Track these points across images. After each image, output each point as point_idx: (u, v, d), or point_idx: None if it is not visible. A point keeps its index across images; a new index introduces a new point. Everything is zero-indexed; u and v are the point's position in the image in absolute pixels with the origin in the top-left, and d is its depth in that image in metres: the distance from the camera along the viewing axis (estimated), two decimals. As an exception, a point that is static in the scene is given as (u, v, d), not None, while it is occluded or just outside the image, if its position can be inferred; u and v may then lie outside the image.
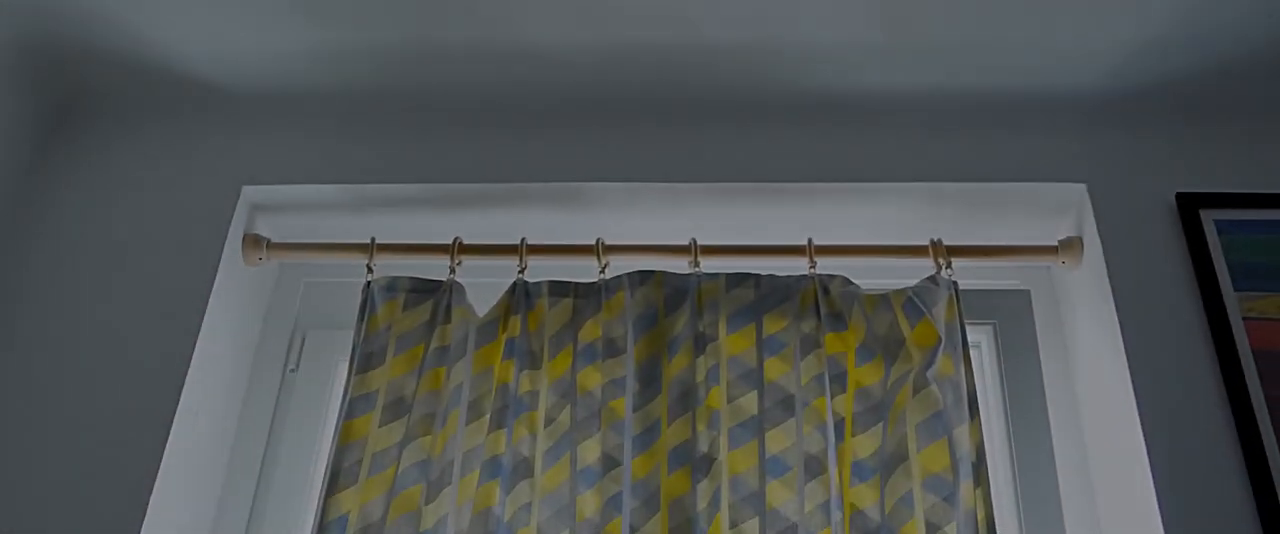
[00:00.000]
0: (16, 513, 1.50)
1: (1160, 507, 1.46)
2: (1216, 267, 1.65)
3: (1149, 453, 1.50)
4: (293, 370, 1.80)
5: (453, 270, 1.73)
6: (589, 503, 1.54)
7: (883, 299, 1.65)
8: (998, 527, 1.56)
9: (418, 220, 1.85)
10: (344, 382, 1.72)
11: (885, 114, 1.83)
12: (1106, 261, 1.66)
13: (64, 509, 1.50)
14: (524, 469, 1.55)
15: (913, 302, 1.62)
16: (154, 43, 1.80)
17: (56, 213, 1.77)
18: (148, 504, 1.50)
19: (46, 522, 1.49)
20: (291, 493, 1.70)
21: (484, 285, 1.79)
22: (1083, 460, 1.66)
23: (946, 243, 1.79)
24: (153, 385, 1.60)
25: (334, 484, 1.54)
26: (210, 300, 1.68)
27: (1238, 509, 1.45)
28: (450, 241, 1.78)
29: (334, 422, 1.73)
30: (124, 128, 1.86)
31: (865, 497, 1.53)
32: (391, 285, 1.72)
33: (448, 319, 1.67)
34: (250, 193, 1.80)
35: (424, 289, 1.72)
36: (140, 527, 1.48)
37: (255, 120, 1.86)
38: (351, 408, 1.60)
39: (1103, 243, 1.68)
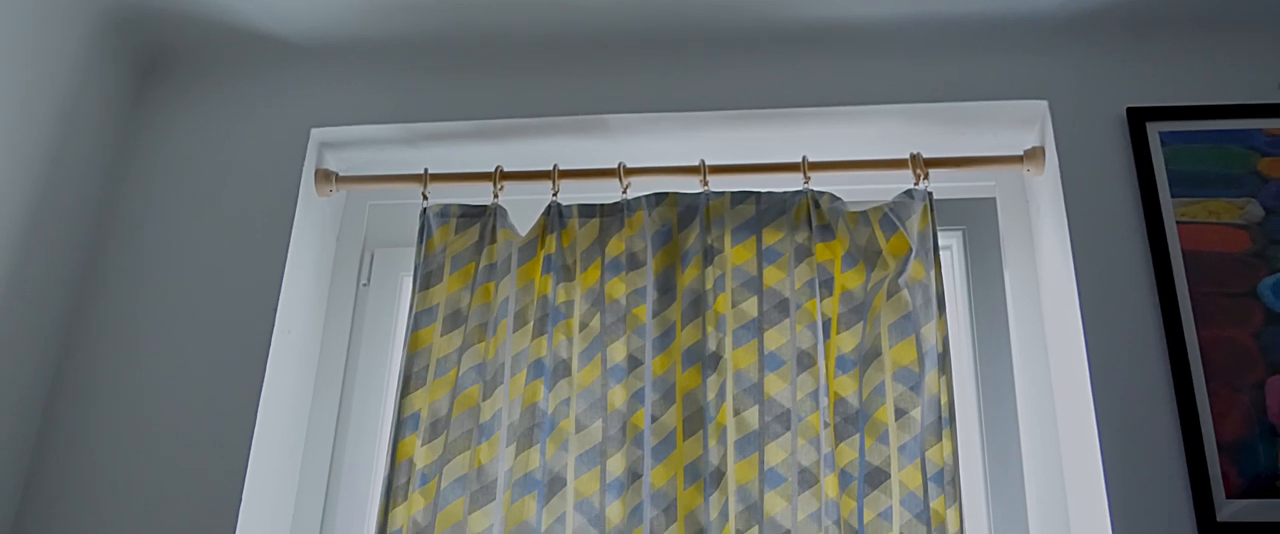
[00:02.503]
0: (137, 421, 1.84)
1: (1092, 383, 1.74)
2: (1157, 174, 1.89)
3: (1086, 339, 1.77)
4: (365, 285, 2.12)
5: (495, 195, 2.02)
6: (617, 396, 1.85)
7: (863, 215, 1.92)
8: (957, 410, 1.86)
9: (464, 151, 2.12)
10: (409, 295, 2.04)
11: (868, 43, 2.06)
12: (1062, 170, 1.91)
13: (180, 416, 1.84)
14: (563, 369, 1.86)
15: (889, 216, 1.89)
16: (226, 5, 2.06)
17: (150, 162, 2.07)
18: (258, 408, 1.83)
19: (164, 427, 1.83)
20: (371, 393, 2.03)
21: (523, 206, 2.08)
22: (1039, 349, 1.94)
23: (924, 156, 2.03)
24: (251, 305, 1.91)
25: (406, 386, 1.87)
26: (293, 228, 1.98)
27: (1158, 384, 1.73)
28: (493, 170, 2.05)
29: (403, 330, 2.05)
30: (204, 83, 2.14)
31: (846, 386, 1.83)
32: (444, 211, 2.01)
33: (493, 240, 1.97)
34: (318, 133, 2.08)
35: (472, 214, 2.01)
36: (253, 425, 1.81)
37: (319, 69, 2.13)
38: (417, 321, 1.92)
39: (1059, 154, 1.93)
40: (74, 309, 1.94)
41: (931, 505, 1.71)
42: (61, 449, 1.83)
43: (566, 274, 1.95)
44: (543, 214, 1.99)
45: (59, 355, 1.90)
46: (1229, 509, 1.64)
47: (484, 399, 1.83)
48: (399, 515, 1.77)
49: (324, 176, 2.08)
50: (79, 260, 1.96)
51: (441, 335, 1.91)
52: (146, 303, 1.94)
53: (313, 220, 2.05)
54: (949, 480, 1.73)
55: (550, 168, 2.07)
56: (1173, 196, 1.87)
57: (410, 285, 2.11)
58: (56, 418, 1.85)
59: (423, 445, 1.82)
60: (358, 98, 2.09)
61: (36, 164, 1.87)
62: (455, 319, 1.93)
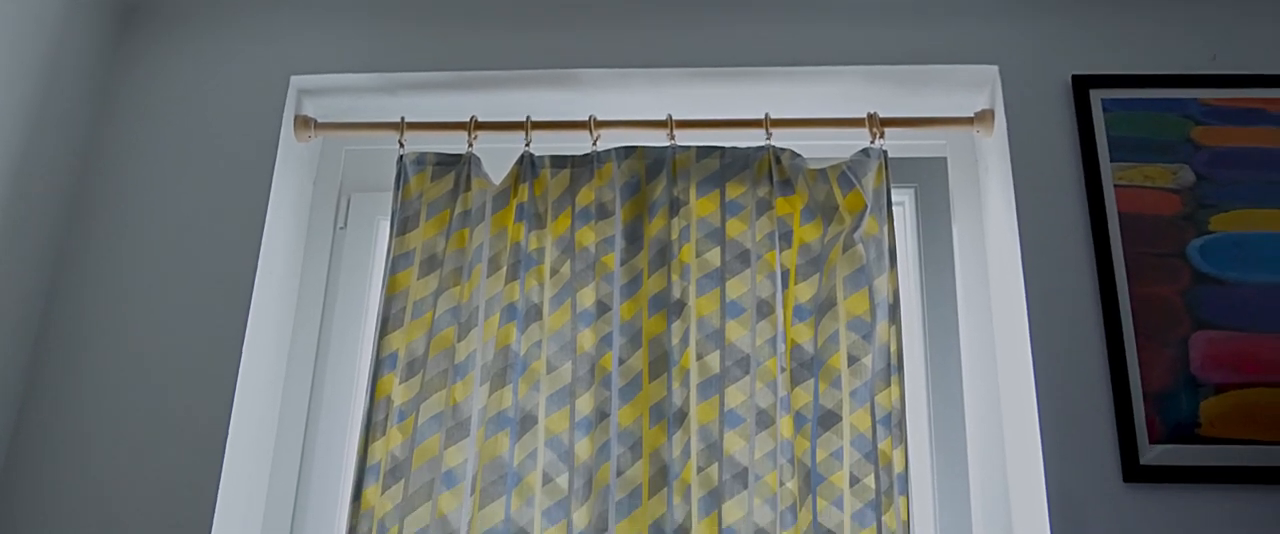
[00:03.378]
0: (125, 360, 1.92)
1: (1031, 334, 1.86)
2: (1098, 139, 2.01)
3: (1027, 292, 1.89)
4: (341, 228, 2.19)
5: (470, 144, 2.10)
6: (587, 339, 1.95)
7: (822, 172, 2.02)
8: (905, 358, 1.98)
9: (439, 101, 2.19)
10: (385, 239, 2.13)
11: (830, 6, 2.15)
12: (1010, 133, 2.02)
13: (168, 355, 1.91)
14: (534, 313, 1.96)
15: (846, 174, 2.00)
16: (209, -48, 2.11)
17: (133, 109, 2.12)
18: (242, 346, 1.91)
19: (152, 365, 1.91)
20: (348, 333, 2.11)
21: (496, 156, 2.16)
22: (983, 301, 2.06)
23: (881, 115, 2.14)
24: (234, 247, 1.98)
25: (384, 327, 1.96)
26: (274, 173, 2.05)
27: (1091, 336, 1.86)
28: (467, 120, 2.13)
29: (380, 272, 2.14)
30: (185, 30, 2.19)
31: (803, 333, 1.94)
32: (420, 159, 2.09)
33: (468, 187, 2.05)
34: (298, 81, 2.14)
35: (447, 162, 2.09)
36: (238, 362, 1.90)
37: (299, 17, 2.19)
38: (394, 264, 2.00)
39: (1007, 117, 2.04)
40: (60, 254, 2.00)
41: (879, 446, 1.84)
42: (51, 389, 1.90)
43: (538, 222, 2.03)
44: (516, 164, 2.07)
45: (46, 299, 1.96)
46: (1151, 453, 1.78)
47: (459, 340, 1.93)
48: (378, 449, 1.87)
49: (303, 123, 2.14)
50: (64, 206, 2.02)
51: (418, 279, 2.00)
52: (132, 246, 2.00)
53: (291, 165, 2.12)
54: (896, 423, 1.85)
55: (523, 119, 2.15)
56: (1112, 161, 1.99)
57: (386, 229, 2.20)
58: (46, 358, 1.92)
59: (400, 383, 1.92)
60: (336, 46, 2.16)
61: (18, 113, 1.92)
62: (431, 263, 2.01)
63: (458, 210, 2.03)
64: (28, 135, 1.93)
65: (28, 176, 1.93)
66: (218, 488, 1.82)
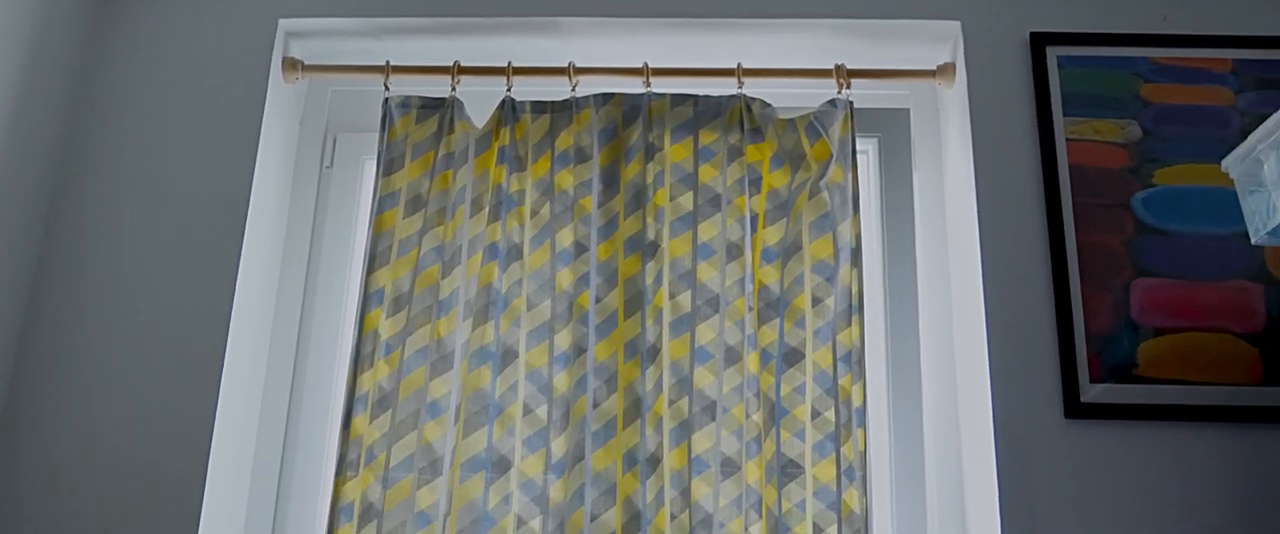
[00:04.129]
0: (121, 297, 2.00)
1: (984, 278, 1.98)
2: (1052, 94, 2.11)
3: (981, 239, 2.01)
4: (328, 168, 2.27)
5: (453, 89, 2.18)
6: (565, 278, 2.05)
7: (791, 122, 2.12)
8: (866, 299, 2.10)
9: (423, 46, 2.26)
10: (370, 178, 2.21)
11: (803, -39, 2.24)
12: (969, 86, 2.13)
13: (164, 292, 2.00)
14: (515, 253, 2.06)
15: (814, 124, 2.10)
16: (199, -104, 2.16)
17: (124, 52, 2.18)
18: (236, 281, 2.00)
19: (147, 300, 1.99)
20: (335, 269, 2.20)
21: (479, 100, 2.25)
22: (940, 246, 2.17)
23: (847, 67, 2.23)
24: (226, 186, 2.06)
25: (371, 264, 2.05)
26: (263, 113, 2.13)
27: (1039, 281, 1.98)
28: (451, 65, 2.21)
29: (366, 211, 2.22)
30: (180, -29, 2.25)
31: (770, 275, 2.05)
32: (405, 102, 2.17)
33: (451, 130, 2.13)
34: (285, 24, 2.21)
35: (431, 105, 2.17)
36: (232, 297, 1.98)
37: (287, -38, 2.25)
38: (381, 204, 2.09)
39: (968, 71, 2.14)
40: (56, 195, 2.07)
41: (840, 382, 1.96)
42: (51, 324, 1.99)
43: (519, 165, 2.12)
44: (497, 108, 2.15)
45: (42, 243, 2.03)
46: (1091, 392, 1.91)
47: (443, 277, 2.02)
48: (366, 380, 1.97)
49: (290, 65, 2.21)
50: (59, 149, 2.09)
51: (403, 218, 2.09)
52: (127, 186, 2.08)
53: (279, 106, 2.20)
54: (856, 360, 1.97)
55: (505, 65, 2.23)
56: (1065, 115, 2.10)
57: (371, 169, 2.28)
58: (45, 295, 2.00)
59: (387, 318, 2.01)
60: (324, -10, 2.23)
61: (11, 57, 1.98)
62: (416, 204, 2.10)
63: (441, 152, 2.12)
64: (21, 79, 1.99)
65: (21, 120, 1.99)
66: (214, 416, 1.91)
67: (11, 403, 1.93)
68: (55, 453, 1.90)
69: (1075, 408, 1.91)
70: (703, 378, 1.97)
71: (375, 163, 2.15)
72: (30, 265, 2.00)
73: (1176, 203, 2.02)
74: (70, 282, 2.01)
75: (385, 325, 2.01)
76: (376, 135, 2.25)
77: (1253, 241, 1.74)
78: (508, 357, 1.99)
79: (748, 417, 1.94)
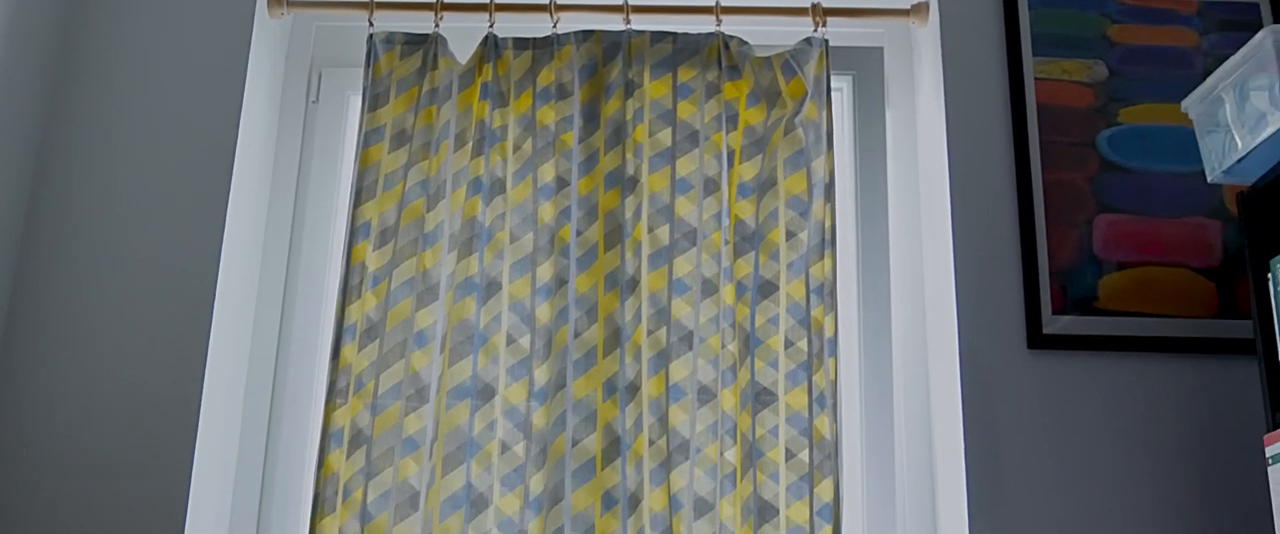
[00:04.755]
0: (113, 228, 2.05)
1: (952, 213, 2.05)
2: (1022, 35, 2.17)
3: (950, 175, 2.07)
4: (314, 102, 2.31)
5: (437, 25, 2.22)
6: (547, 212, 2.11)
7: (767, 59, 2.17)
8: (838, 233, 2.17)
9: (407, -19, 2.30)
10: (356, 113, 2.26)
11: (781, -100, 2.28)
12: (942, 26, 2.18)
13: (154, 222, 2.04)
14: (498, 187, 2.11)
15: (789, 62, 2.15)
16: None
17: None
18: (226, 214, 2.05)
19: (138, 228, 2.04)
20: (322, 203, 2.25)
21: (462, 36, 2.29)
22: (912, 183, 2.24)
23: (823, 5, 2.27)
24: (214, 120, 2.10)
25: (358, 198, 2.10)
26: (250, 48, 2.16)
27: (1006, 216, 2.05)
28: (434, 1, 2.24)
29: (352, 145, 2.27)
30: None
31: (745, 210, 2.11)
32: (389, 38, 2.21)
33: (435, 66, 2.18)
34: (271, -41, 2.24)
35: (415, 41, 2.21)
36: (222, 230, 2.03)
37: (271, -103, 2.27)
38: (366, 139, 2.13)
39: (940, 10, 2.19)
40: (47, 132, 2.10)
41: (812, 313, 2.03)
42: (45, 257, 2.03)
43: (501, 101, 2.17)
44: (480, 44, 2.20)
45: (35, 176, 2.07)
46: (1054, 323, 1.99)
47: (428, 211, 2.08)
48: (354, 311, 2.03)
49: (276, 0, 2.24)
50: (48, 81, 2.11)
51: (389, 153, 2.13)
52: (116, 122, 2.11)
53: (265, 41, 2.23)
54: (828, 292, 2.04)
55: (487, 1, 2.26)
56: (1034, 55, 2.15)
57: (356, 104, 2.32)
58: (38, 229, 2.04)
59: (374, 251, 2.07)
60: (308, -74, 2.25)
61: (11, -19, 2.01)
62: (401, 138, 2.15)
63: (425, 88, 2.16)
64: (7, 14, 2.01)
65: (8, 55, 2.02)
66: (207, 345, 1.97)
67: (8, 333, 1.98)
68: (52, 382, 1.96)
69: (1038, 339, 1.99)
70: (680, 309, 2.04)
71: (360, 98, 2.19)
72: (22, 201, 2.04)
73: (1140, 142, 2.08)
74: (62, 216, 2.05)
75: (372, 257, 2.06)
76: (361, 71, 2.28)
77: (1209, 180, 1.81)
78: (491, 288, 2.05)
79: (723, 346, 2.02)
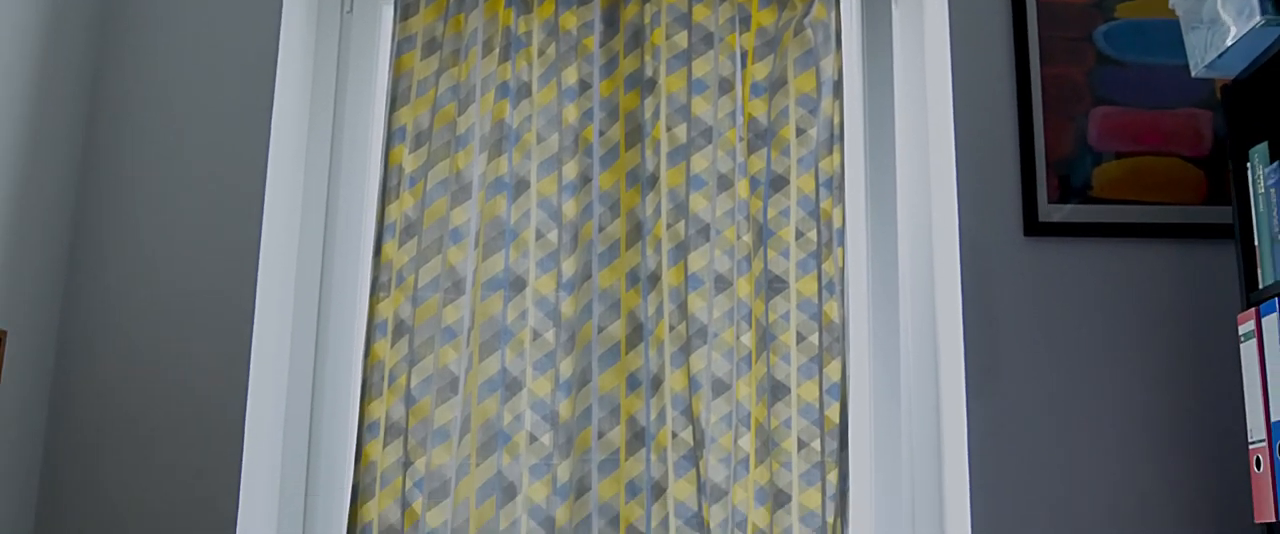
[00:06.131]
0: (161, 139, 2.19)
1: (954, 106, 2.16)
2: (1025, -67, 2.25)
3: (953, 70, 2.18)
4: (348, 13, 2.43)
5: (462, -65, 2.32)
6: (570, 113, 2.24)
7: (778, -37, 2.27)
8: (847, 129, 2.29)
9: (433, -107, 2.40)
10: (389, 23, 2.38)
11: None
12: (948, -75, 2.27)
13: (202, 133, 2.19)
14: (524, 91, 2.24)
15: (799, -35, 2.25)
16: None
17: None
18: (270, 121, 2.19)
19: (187, 142, 2.19)
20: (360, 109, 2.38)
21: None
22: (918, 79, 2.34)
23: (834, -93, 2.36)
24: (256, 35, 2.23)
25: (393, 104, 2.23)
26: (286, -38, 2.29)
27: (1005, 109, 2.16)
28: (459, -89, 2.34)
29: (386, 53, 2.39)
30: None
31: (758, 108, 2.23)
32: (418, -52, 2.32)
33: (462, -25, 2.29)
34: (303, -126, 2.34)
35: (442, -48, 2.32)
36: (268, 135, 2.18)
37: None
38: (399, 47, 2.26)
39: (947, -89, 2.27)
40: (101, 59, 2.24)
41: (821, 205, 2.16)
42: (107, 171, 2.18)
43: (525, 7, 2.28)
44: (504, -47, 2.30)
45: (92, 98, 2.21)
46: (1050, 211, 2.11)
47: (459, 115, 2.21)
48: (393, 211, 2.18)
49: (309, -86, 2.35)
50: (96, 23, 2.25)
51: (421, 60, 2.26)
52: (165, 45, 2.24)
53: (301, -47, 2.35)
54: (836, 185, 2.17)
55: (510, -90, 2.36)
56: (1036, -47, 2.24)
57: (389, 14, 2.44)
58: (97, 148, 2.19)
59: (409, 153, 2.21)
60: None
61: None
62: (432, 46, 2.27)
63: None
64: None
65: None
66: (258, 246, 2.13)
67: (74, 245, 2.15)
68: (116, 282, 2.13)
69: (1034, 226, 2.11)
70: (697, 203, 2.17)
71: (392, 8, 2.31)
72: (81, 123, 2.19)
73: (1135, 36, 2.18)
74: (119, 133, 2.20)
75: (408, 160, 2.21)
76: (392, -19, 2.39)
77: (1192, 75, 1.91)
78: (520, 186, 2.19)
79: (738, 238, 2.16)
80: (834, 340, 2.12)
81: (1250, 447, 1.78)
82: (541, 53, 2.27)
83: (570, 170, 2.22)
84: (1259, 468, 1.75)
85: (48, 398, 2.07)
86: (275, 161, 2.20)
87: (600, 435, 2.11)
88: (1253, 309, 1.78)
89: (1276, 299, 1.71)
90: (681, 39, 2.25)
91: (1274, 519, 1.70)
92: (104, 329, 2.11)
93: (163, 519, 2.03)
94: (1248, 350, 1.79)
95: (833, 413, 2.09)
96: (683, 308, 2.13)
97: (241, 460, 2.05)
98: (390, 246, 2.16)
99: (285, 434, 2.22)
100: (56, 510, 2.03)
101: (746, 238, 2.16)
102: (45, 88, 2.06)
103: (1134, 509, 2.01)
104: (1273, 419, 1.72)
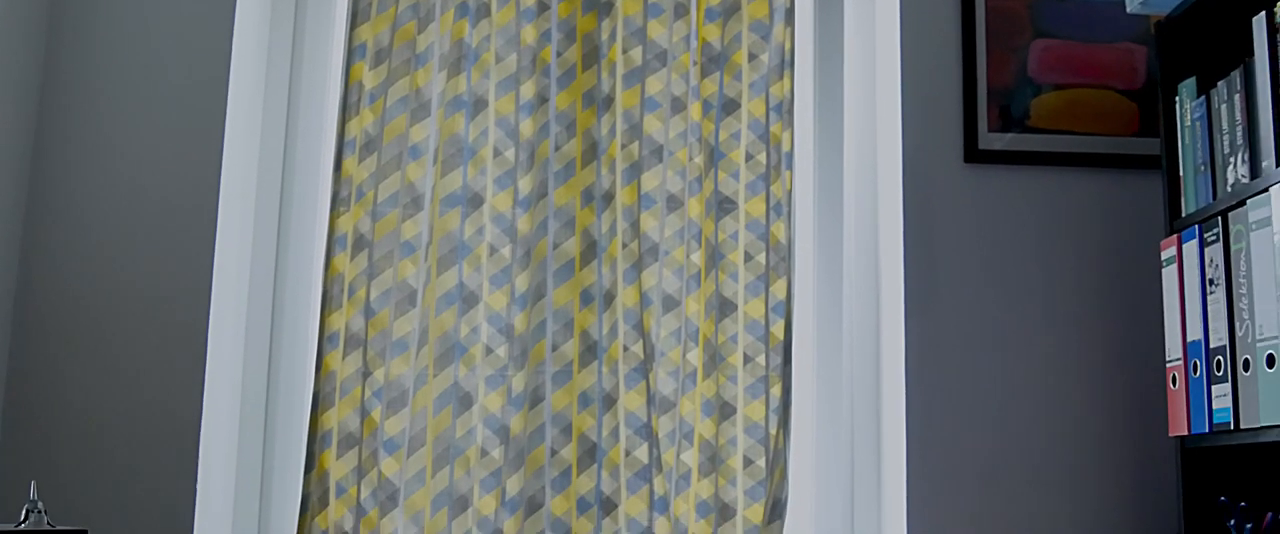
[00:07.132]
0: (124, 54, 2.21)
1: (901, 36, 2.23)
2: None
3: (900, 1, 2.25)
4: (308, -73, 2.45)
5: None
6: (529, 34, 2.28)
7: (735, -110, 2.31)
8: (797, 55, 2.35)
9: None
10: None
11: None
12: None
13: (163, 49, 2.21)
14: (483, 10, 2.27)
15: (755, -107, 2.29)
16: None
17: None
18: (231, 41, 2.22)
19: (148, 58, 2.21)
20: (320, 26, 2.40)
21: None
22: (868, 5, 2.41)
23: None
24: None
25: (354, 21, 2.26)
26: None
27: (950, 40, 2.24)
28: None
29: (345, -31, 2.41)
30: None
31: (711, 33, 2.29)
32: None
33: (422, -107, 2.31)
34: None
35: None
36: (229, 52, 2.21)
37: None
38: (359, -36, 2.29)
39: None
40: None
41: (771, 129, 2.23)
42: (68, 78, 2.20)
43: (485, -73, 2.32)
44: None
45: (51, 14, 2.23)
46: (989, 140, 2.20)
47: (419, 32, 2.25)
48: (353, 127, 2.22)
49: None
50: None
51: (381, -22, 2.29)
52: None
53: None
54: (786, 110, 2.24)
55: None
56: (985, -113, 2.30)
57: (348, -71, 2.45)
58: (60, 66, 2.21)
59: (370, 70, 2.25)
60: None
61: None
62: (392, -36, 2.30)
63: (413, -85, 2.30)
64: None
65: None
66: (221, 160, 2.17)
67: (37, 153, 2.17)
68: (78, 202, 2.16)
69: (974, 154, 2.20)
70: (651, 124, 2.24)
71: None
72: (43, 31, 2.20)
73: (1076, -30, 2.26)
74: (81, 42, 2.21)
75: (368, 77, 2.24)
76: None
77: (1128, 10, 2.00)
78: (479, 105, 2.24)
79: (690, 159, 2.23)
80: (780, 260, 2.20)
81: (1167, 365, 1.89)
82: (500, -26, 2.31)
83: (527, 90, 2.27)
84: (1175, 385, 1.86)
85: (11, 309, 2.11)
86: (237, 74, 2.23)
87: (554, 348, 2.19)
88: (1175, 236, 1.89)
89: (1197, 227, 1.82)
90: (638, -35, 2.30)
91: (1186, 432, 1.82)
92: (67, 240, 2.14)
93: (127, 425, 2.09)
94: (1169, 275, 1.90)
95: (778, 329, 2.18)
96: (635, 226, 2.20)
97: (205, 368, 2.11)
98: (350, 162, 2.21)
99: (247, 343, 2.27)
100: (21, 416, 2.09)
101: (698, 159, 2.23)
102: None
103: (1062, 422, 2.13)
104: (1189, 339, 1.83)
